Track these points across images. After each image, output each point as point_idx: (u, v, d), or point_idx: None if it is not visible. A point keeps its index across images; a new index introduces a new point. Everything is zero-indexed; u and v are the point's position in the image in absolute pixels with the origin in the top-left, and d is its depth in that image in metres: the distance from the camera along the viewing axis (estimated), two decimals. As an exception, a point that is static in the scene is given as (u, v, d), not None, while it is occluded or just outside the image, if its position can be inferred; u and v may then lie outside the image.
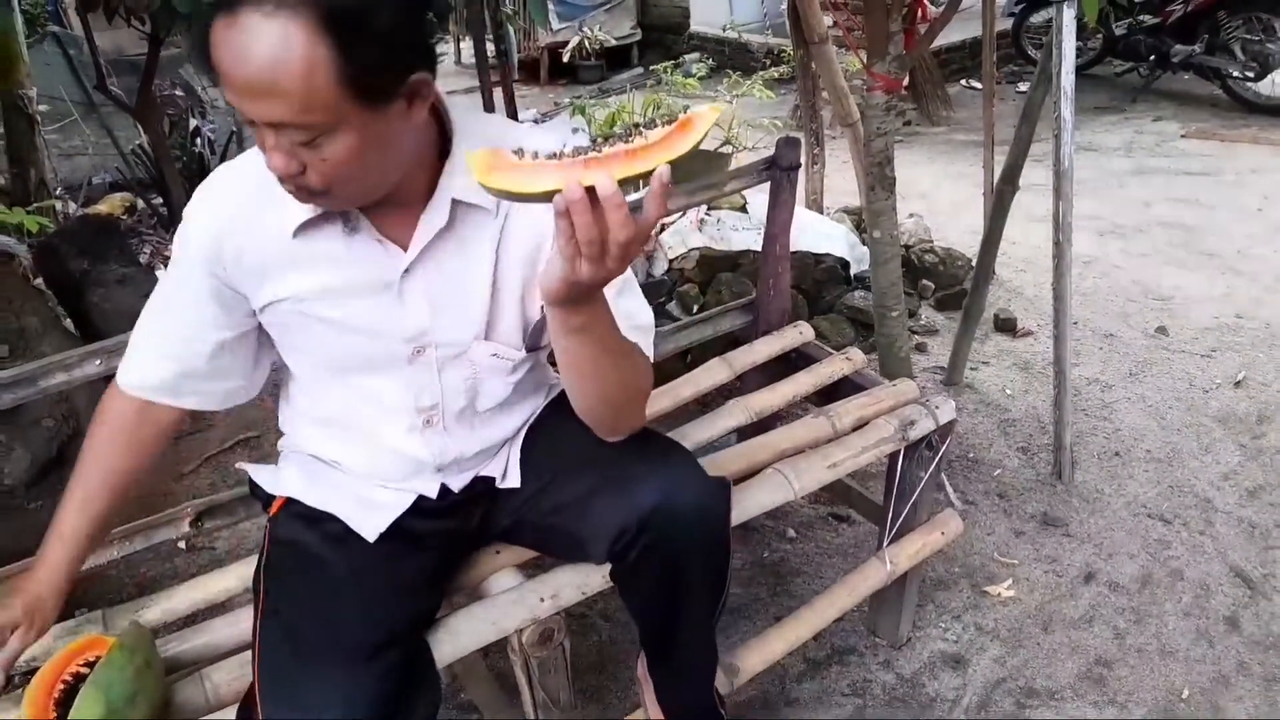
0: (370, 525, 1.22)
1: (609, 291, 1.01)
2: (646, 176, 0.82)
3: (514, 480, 1.32)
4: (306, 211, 1.05)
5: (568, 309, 0.95)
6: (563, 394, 1.35)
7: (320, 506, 1.23)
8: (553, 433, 1.33)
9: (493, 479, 1.32)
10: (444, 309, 1.13)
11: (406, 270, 1.09)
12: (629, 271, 1.16)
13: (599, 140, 0.84)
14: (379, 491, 1.26)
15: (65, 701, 1.06)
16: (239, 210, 1.08)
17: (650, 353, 1.17)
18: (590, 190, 0.81)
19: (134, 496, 1.25)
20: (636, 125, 0.84)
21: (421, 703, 1.14)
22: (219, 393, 1.21)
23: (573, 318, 0.97)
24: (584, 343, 1.01)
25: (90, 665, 1.10)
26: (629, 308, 1.14)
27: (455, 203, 1.08)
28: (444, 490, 1.28)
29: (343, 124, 0.91)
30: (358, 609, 1.13)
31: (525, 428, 1.35)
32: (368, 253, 1.09)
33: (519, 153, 0.84)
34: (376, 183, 1.01)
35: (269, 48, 0.85)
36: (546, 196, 0.82)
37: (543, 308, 1.14)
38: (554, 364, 1.28)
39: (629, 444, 1.21)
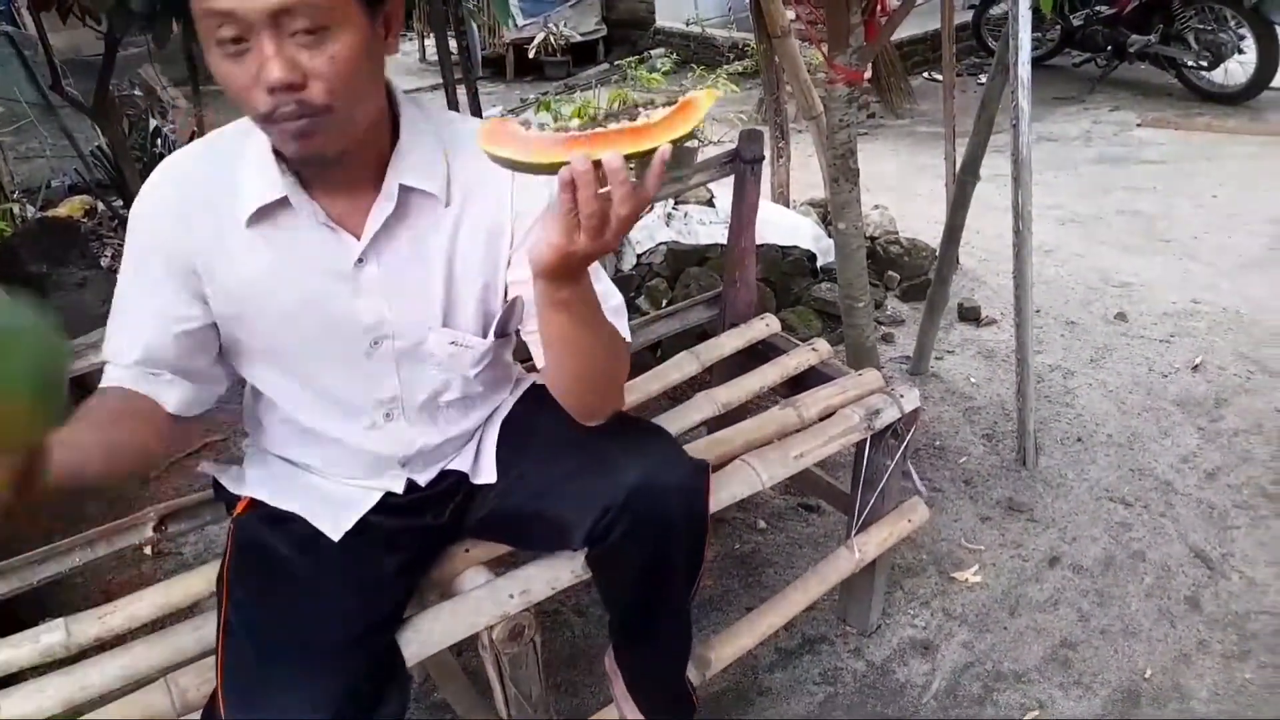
0: (335, 525, 1.21)
1: None
2: (647, 155, 0.85)
3: (488, 475, 1.31)
4: (258, 199, 1.04)
5: (558, 282, 0.97)
6: (533, 388, 1.37)
7: (284, 507, 1.23)
8: (526, 425, 1.33)
9: (464, 474, 1.32)
10: (399, 298, 1.12)
11: (360, 259, 1.09)
12: (599, 268, 1.17)
13: (602, 118, 0.87)
14: (343, 490, 1.25)
15: None
16: (192, 194, 1.07)
17: (627, 335, 1.18)
18: (595, 165, 0.84)
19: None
20: (637, 105, 0.87)
21: (390, 702, 1.13)
22: (191, 393, 1.13)
23: (561, 290, 0.98)
24: (570, 318, 1.02)
25: None
26: (602, 290, 1.14)
27: (405, 189, 1.07)
28: (411, 486, 1.28)
29: (346, 22, 0.91)
30: (322, 611, 1.12)
31: (496, 422, 1.34)
32: (321, 241, 1.07)
33: (525, 124, 0.86)
34: (361, 115, 0.99)
35: None
36: (552, 168, 0.85)
37: (507, 294, 1.17)
38: (522, 359, 1.28)
39: (609, 427, 1.22)
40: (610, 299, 1.16)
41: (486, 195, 1.13)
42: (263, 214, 1.05)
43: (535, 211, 1.13)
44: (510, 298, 1.18)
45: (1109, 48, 5.76)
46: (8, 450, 0.70)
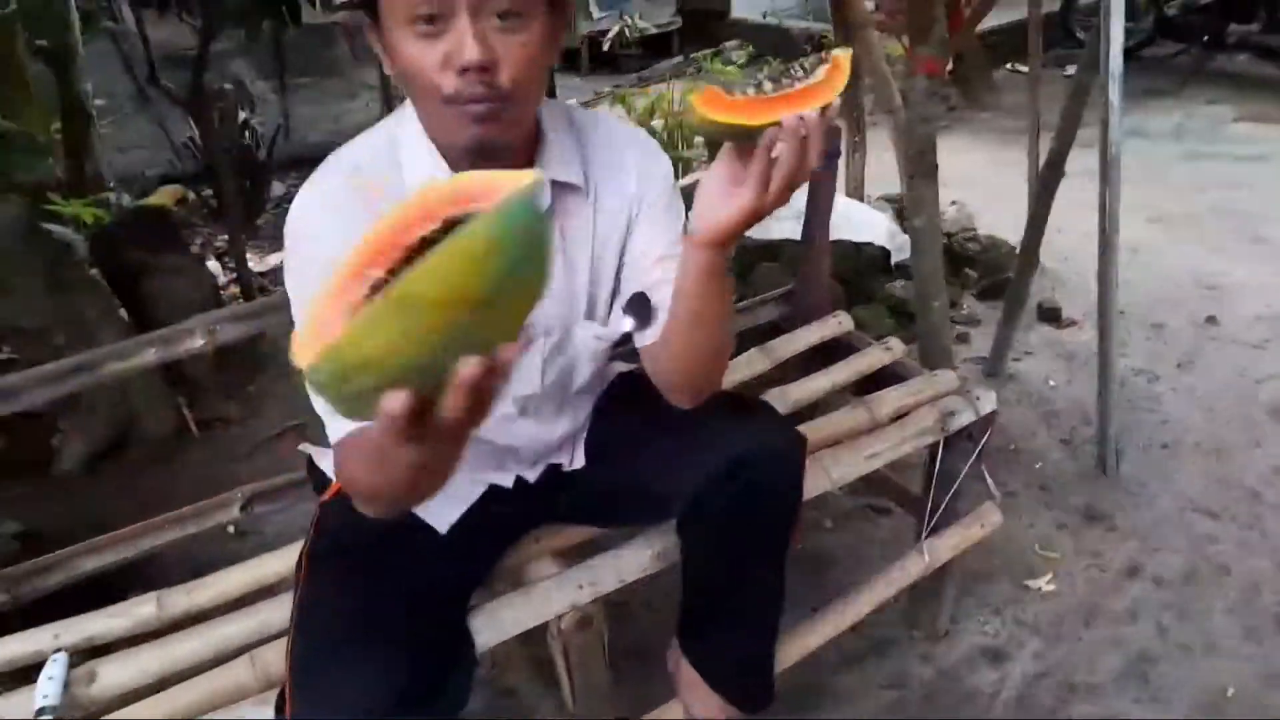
0: (441, 518, 1.23)
1: (662, 259, 1.13)
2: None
3: (578, 463, 1.34)
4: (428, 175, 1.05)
5: (724, 249, 1.00)
6: (618, 380, 1.38)
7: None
8: (616, 411, 1.35)
9: (559, 465, 1.34)
10: (550, 294, 1.14)
11: None
12: None
13: (765, 79, 0.93)
14: (450, 483, 1.27)
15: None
16: (365, 191, 1.06)
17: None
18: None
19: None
20: (789, 68, 0.94)
21: (454, 687, 1.15)
22: None
23: (720, 258, 1.01)
24: (720, 285, 1.04)
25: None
26: None
27: (554, 184, 1.10)
28: (518, 481, 1.30)
29: (537, 12, 0.96)
30: (396, 596, 1.15)
31: (589, 409, 1.36)
32: None
33: (729, 90, 0.92)
34: (535, 102, 1.03)
35: None
36: (759, 129, 0.90)
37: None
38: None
39: (708, 401, 1.22)
40: None
41: (619, 184, 1.16)
42: None
43: (654, 197, 1.17)
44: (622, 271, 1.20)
45: (1205, 38, 5.52)
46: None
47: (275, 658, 1.24)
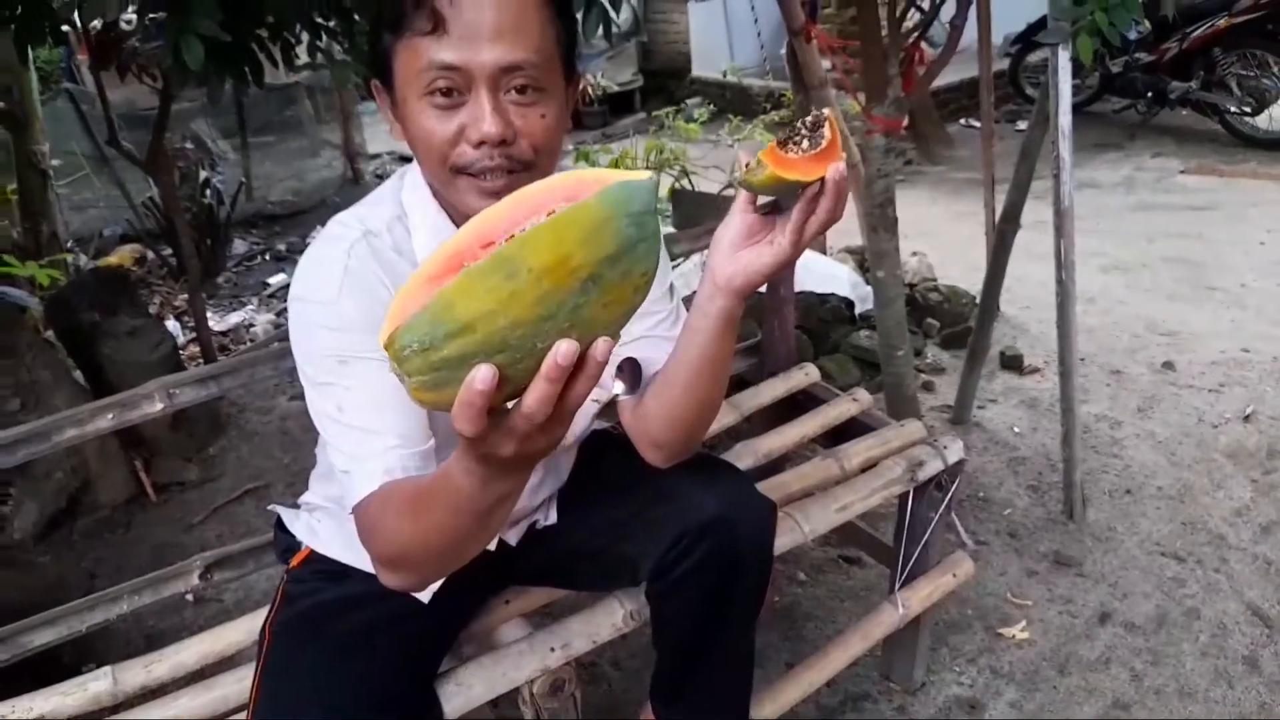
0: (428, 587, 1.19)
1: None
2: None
3: (553, 518, 1.33)
4: None
5: (746, 298, 1.00)
6: (591, 437, 1.37)
7: (362, 567, 1.16)
8: (585, 469, 1.34)
9: (536, 522, 1.33)
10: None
11: None
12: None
13: (786, 136, 0.94)
14: None
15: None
16: (391, 289, 1.03)
17: None
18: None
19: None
20: (799, 123, 0.94)
21: None
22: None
23: (740, 307, 1.01)
24: (733, 335, 1.04)
25: None
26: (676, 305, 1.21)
27: None
28: (500, 543, 1.28)
29: (554, 87, 0.99)
30: (365, 671, 1.11)
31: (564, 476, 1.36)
32: None
33: (783, 144, 0.93)
34: (552, 170, 1.04)
35: None
36: (806, 184, 0.92)
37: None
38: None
39: (679, 464, 1.21)
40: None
41: None
42: None
43: (660, 291, 1.19)
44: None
45: (1149, 94, 5.73)
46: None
47: (235, 732, 1.20)
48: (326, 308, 1.01)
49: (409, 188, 1.09)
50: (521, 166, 0.98)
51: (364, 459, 0.98)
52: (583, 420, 1.23)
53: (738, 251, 0.96)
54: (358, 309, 1.00)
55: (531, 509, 1.31)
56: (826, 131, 0.93)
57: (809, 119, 0.94)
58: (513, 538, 1.31)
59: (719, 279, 0.98)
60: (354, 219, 1.08)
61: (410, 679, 1.16)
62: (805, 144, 0.93)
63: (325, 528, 1.28)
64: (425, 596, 1.17)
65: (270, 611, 1.22)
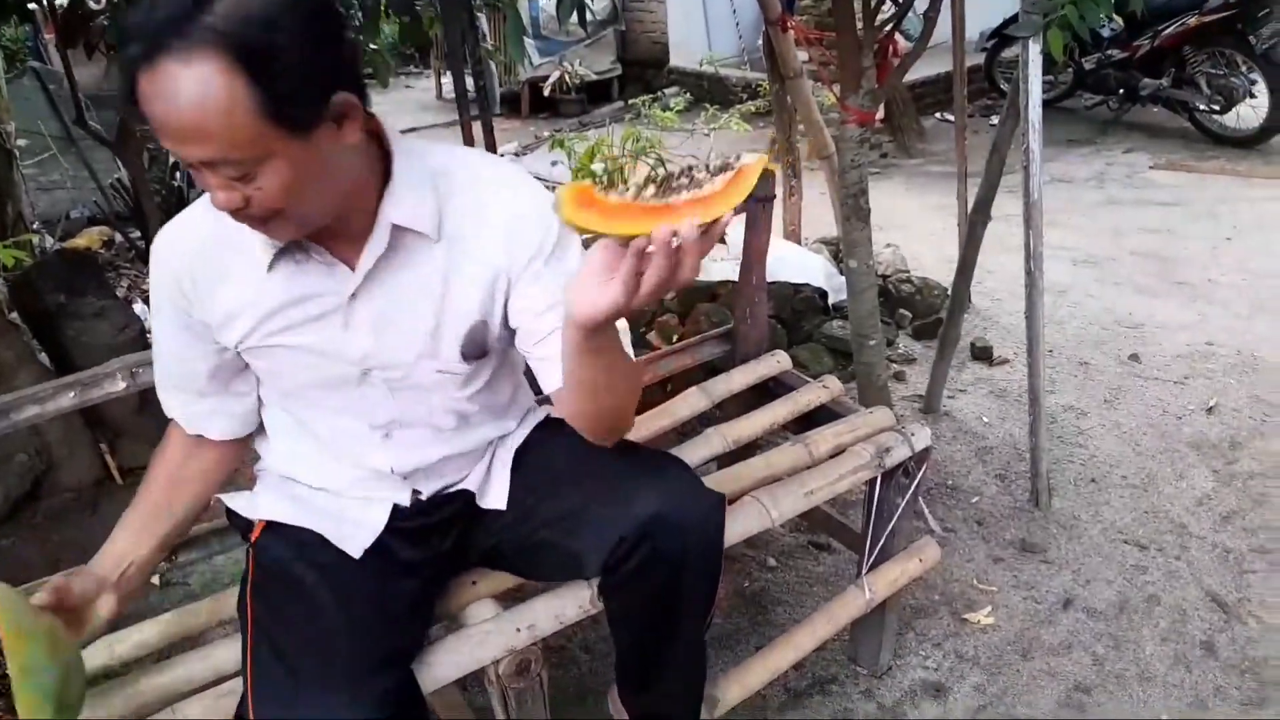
0: (355, 543, 1.23)
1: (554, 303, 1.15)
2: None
3: (497, 501, 1.32)
4: (272, 247, 1.08)
5: (597, 333, 0.98)
6: (548, 420, 1.37)
7: (302, 524, 1.24)
8: (539, 456, 1.34)
9: (470, 493, 1.32)
10: (386, 332, 1.16)
11: (353, 295, 1.12)
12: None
13: (660, 180, 0.89)
14: (354, 507, 1.27)
15: None
16: (202, 250, 1.13)
17: (631, 353, 1.22)
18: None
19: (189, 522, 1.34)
20: (691, 169, 0.90)
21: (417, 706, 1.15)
22: (237, 415, 1.29)
23: (598, 338, 1.00)
24: (601, 360, 1.04)
25: None
26: None
27: (396, 229, 1.10)
28: (416, 500, 1.29)
29: (271, 155, 0.93)
30: (348, 633, 1.13)
31: (508, 448, 1.35)
32: (322, 277, 1.12)
33: (602, 187, 0.89)
34: (322, 206, 1.02)
35: (190, 92, 0.88)
36: (628, 239, 0.87)
37: (508, 323, 1.20)
38: (535, 388, 1.29)
39: (625, 457, 1.24)
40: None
41: (480, 233, 1.15)
42: (280, 254, 1.10)
43: (533, 248, 1.16)
44: (512, 326, 1.20)
45: (1121, 91, 5.79)
46: None
47: (196, 712, 1.19)
48: (155, 269, 1.16)
49: None
50: (271, 215, 0.99)
51: (165, 392, 1.27)
52: (436, 394, 1.23)
53: (591, 281, 0.93)
54: (162, 269, 1.16)
55: (433, 469, 1.29)
56: (715, 182, 0.87)
57: (718, 163, 0.88)
58: (426, 490, 1.30)
59: (567, 308, 0.97)
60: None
61: (389, 647, 1.16)
62: (683, 192, 0.87)
63: (265, 498, 1.31)
64: (355, 552, 1.23)
65: (245, 582, 1.23)
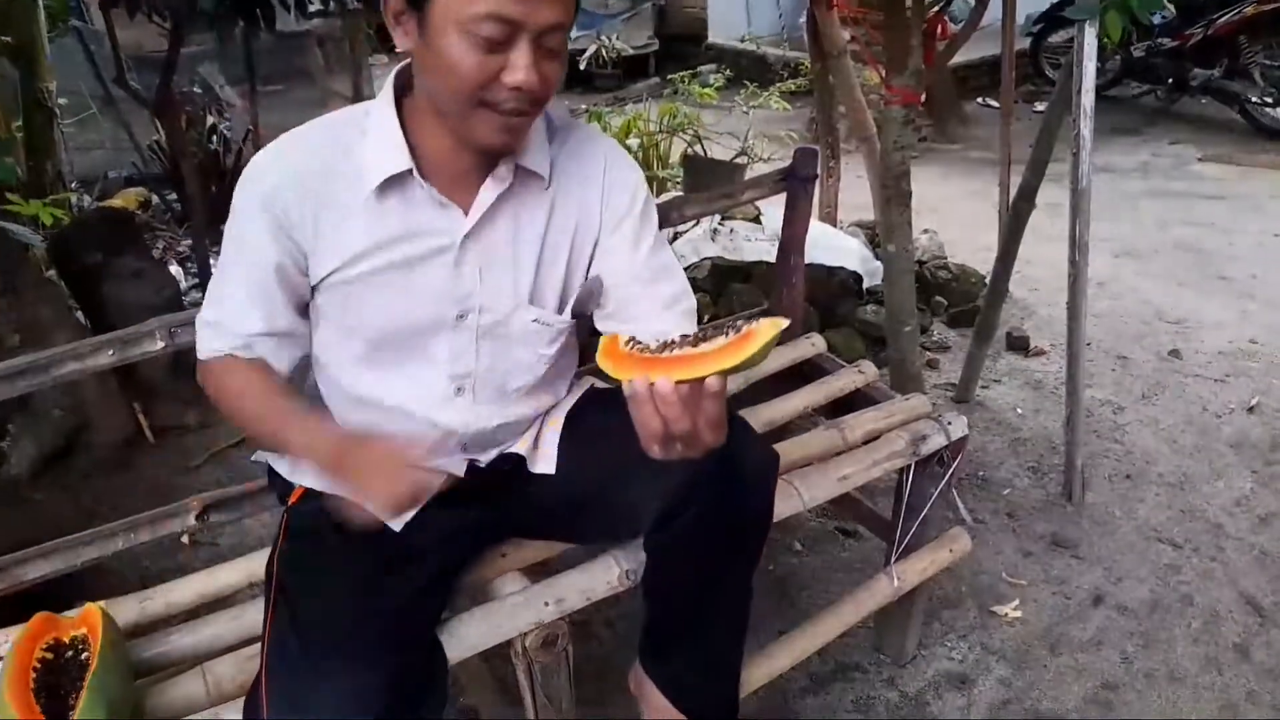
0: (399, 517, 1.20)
1: (655, 280, 1.23)
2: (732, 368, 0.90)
3: (547, 465, 1.31)
4: (389, 168, 1.09)
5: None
6: (595, 390, 1.39)
7: (343, 493, 1.20)
8: (590, 420, 1.33)
9: (521, 458, 1.31)
10: (492, 273, 1.17)
11: (467, 234, 1.14)
12: (669, 254, 1.28)
13: (677, 338, 0.94)
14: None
15: (41, 691, 1.05)
16: (309, 170, 1.12)
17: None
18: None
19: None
20: (730, 321, 0.95)
21: (430, 703, 1.14)
22: (294, 352, 1.21)
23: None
24: None
25: (52, 650, 1.10)
26: (673, 292, 1.24)
27: (517, 168, 1.14)
28: (471, 468, 1.28)
29: (567, 34, 1.05)
30: (372, 604, 1.13)
31: (559, 415, 1.34)
32: (432, 215, 1.13)
33: (630, 342, 0.97)
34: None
35: None
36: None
37: (588, 275, 1.24)
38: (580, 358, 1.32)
39: None
40: (682, 301, 1.24)
41: (583, 182, 1.21)
42: (386, 186, 1.10)
43: (623, 209, 1.22)
44: (590, 277, 1.23)
45: (1170, 80, 5.66)
46: None
47: (227, 671, 1.20)
48: (252, 185, 1.12)
49: (375, 111, 1.13)
50: (535, 108, 1.05)
51: (229, 325, 1.15)
52: (524, 347, 1.24)
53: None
54: (263, 190, 1.11)
55: (495, 435, 1.28)
56: (719, 341, 0.89)
57: (739, 321, 0.91)
58: (483, 459, 1.29)
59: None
60: (317, 122, 1.16)
61: (417, 612, 1.17)
62: (681, 346, 0.91)
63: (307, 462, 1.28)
64: (397, 526, 1.20)
65: (274, 547, 1.23)
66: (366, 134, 1.12)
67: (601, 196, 1.21)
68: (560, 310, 1.24)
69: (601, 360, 0.95)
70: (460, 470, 1.27)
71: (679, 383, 0.89)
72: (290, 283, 1.15)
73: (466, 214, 1.14)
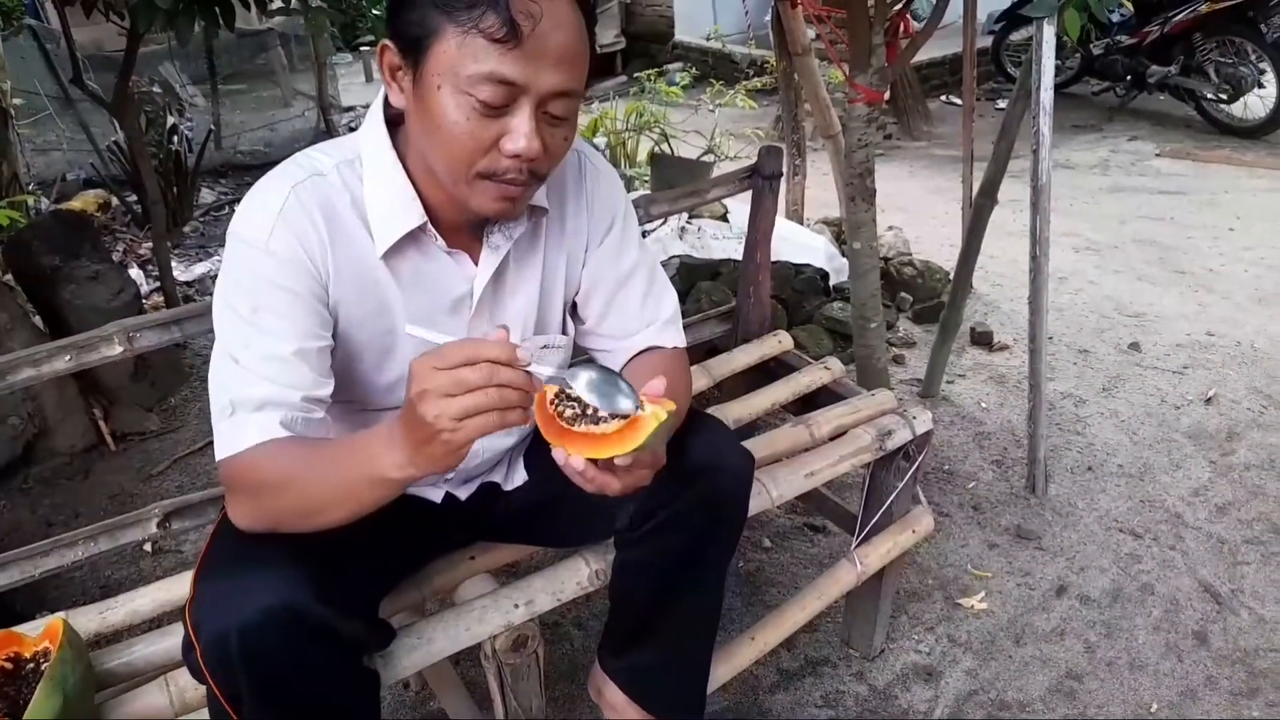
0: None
1: (636, 294, 1.22)
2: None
3: (520, 479, 1.32)
4: (402, 227, 1.05)
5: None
6: None
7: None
8: None
9: (496, 484, 1.33)
10: (504, 315, 1.16)
11: (475, 280, 1.12)
12: (658, 270, 1.27)
13: (579, 410, 0.93)
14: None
15: (1, 703, 1.05)
16: (326, 232, 1.04)
17: (682, 340, 1.26)
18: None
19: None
20: (595, 410, 0.92)
21: (372, 641, 1.12)
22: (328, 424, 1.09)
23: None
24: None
25: (12, 661, 1.09)
26: (656, 301, 1.24)
27: (530, 207, 1.11)
28: (448, 498, 1.28)
29: (577, 109, 1.01)
30: (308, 561, 1.00)
31: (529, 428, 1.33)
32: (441, 268, 1.10)
33: (556, 398, 0.94)
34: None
35: (572, 20, 0.94)
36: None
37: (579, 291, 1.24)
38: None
39: None
40: (664, 309, 1.25)
41: (572, 208, 1.19)
42: (399, 243, 1.06)
43: (607, 222, 1.22)
44: (580, 290, 1.24)
45: (1128, 77, 5.76)
46: None
47: (190, 681, 1.18)
48: (255, 250, 1.01)
49: (368, 135, 1.07)
50: (537, 179, 1.00)
51: (254, 406, 0.98)
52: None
53: None
54: (284, 252, 1.01)
55: (487, 464, 1.30)
56: (611, 425, 0.90)
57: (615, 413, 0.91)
58: (463, 493, 1.30)
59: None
60: (307, 159, 1.07)
61: (353, 584, 1.09)
62: (591, 418, 0.91)
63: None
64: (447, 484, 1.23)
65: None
66: (365, 182, 1.06)
67: (587, 209, 1.20)
68: (564, 330, 1.24)
69: (537, 411, 0.93)
70: (437, 498, 1.28)
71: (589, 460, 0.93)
72: (323, 341, 1.05)
73: (476, 262, 1.11)
